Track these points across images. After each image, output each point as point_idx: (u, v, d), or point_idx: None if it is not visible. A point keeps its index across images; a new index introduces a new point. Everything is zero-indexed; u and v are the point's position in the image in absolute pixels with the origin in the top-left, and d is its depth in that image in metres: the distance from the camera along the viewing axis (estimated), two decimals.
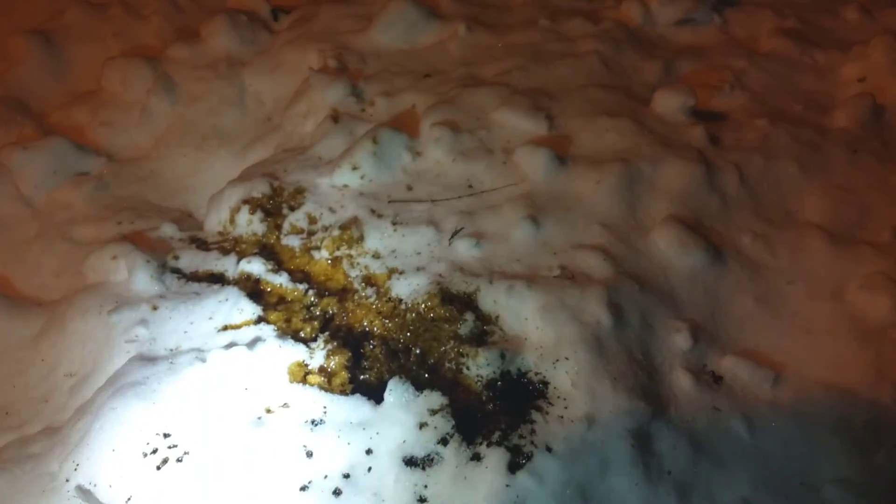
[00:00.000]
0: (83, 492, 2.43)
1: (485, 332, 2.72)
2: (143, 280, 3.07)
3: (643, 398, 2.56)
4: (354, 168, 3.33)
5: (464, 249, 2.99)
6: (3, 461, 2.62)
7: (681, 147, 3.34)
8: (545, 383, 2.56)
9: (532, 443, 2.41)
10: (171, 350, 2.85)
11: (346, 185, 3.33)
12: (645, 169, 3.20)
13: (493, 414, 2.51)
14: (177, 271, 3.21)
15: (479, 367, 2.59)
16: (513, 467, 2.35)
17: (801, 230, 3.24)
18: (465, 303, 2.81)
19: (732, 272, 3.06)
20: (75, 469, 2.47)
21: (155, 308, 2.98)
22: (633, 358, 2.67)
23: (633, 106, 3.60)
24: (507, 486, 2.31)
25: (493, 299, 2.78)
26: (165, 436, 2.47)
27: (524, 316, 2.70)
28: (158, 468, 2.38)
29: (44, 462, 2.58)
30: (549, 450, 2.39)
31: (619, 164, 3.18)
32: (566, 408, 2.49)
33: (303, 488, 2.36)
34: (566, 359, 2.58)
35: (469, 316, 2.74)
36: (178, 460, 2.40)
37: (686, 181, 3.20)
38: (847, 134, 3.64)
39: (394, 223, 3.13)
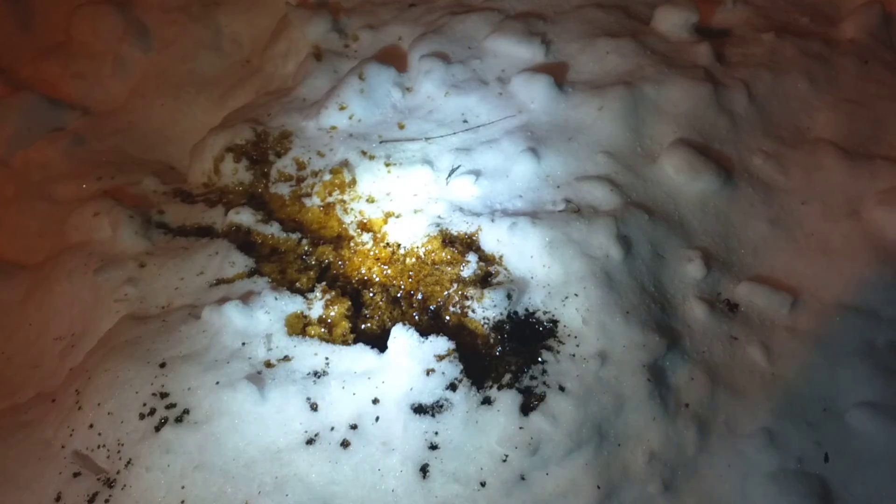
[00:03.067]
0: (80, 457, 2.35)
1: (489, 274, 2.59)
2: (127, 236, 2.93)
3: (657, 331, 2.46)
4: (341, 108, 3.16)
5: (462, 188, 2.83)
6: None
7: (686, 66, 3.16)
8: (554, 322, 2.45)
9: (544, 383, 2.31)
10: (163, 307, 2.73)
11: (333, 127, 3.16)
12: (649, 91, 3.03)
13: (502, 356, 2.41)
14: (162, 226, 3.07)
15: (485, 309, 2.47)
16: (525, 409, 2.26)
17: (813, 147, 3.10)
18: (467, 244, 2.68)
19: (744, 195, 2.93)
20: (71, 435, 2.38)
21: (142, 265, 2.85)
22: (645, 290, 2.55)
23: (634, 25, 3.40)
24: (520, 428, 2.22)
25: (495, 238, 2.64)
26: (163, 396, 2.37)
27: (529, 254, 2.57)
28: (157, 429, 2.29)
29: (38, 429, 2.49)
30: (562, 389, 2.30)
31: (622, 87, 3.00)
32: (578, 346, 2.39)
33: (309, 441, 2.27)
34: (575, 295, 2.46)
35: (471, 257, 2.61)
36: (178, 420, 2.30)
37: (693, 102, 3.03)
38: (856, 45, 3.47)
39: (387, 164, 2.97)
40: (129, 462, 2.24)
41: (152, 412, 2.32)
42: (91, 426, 2.35)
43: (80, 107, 3.81)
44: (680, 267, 2.68)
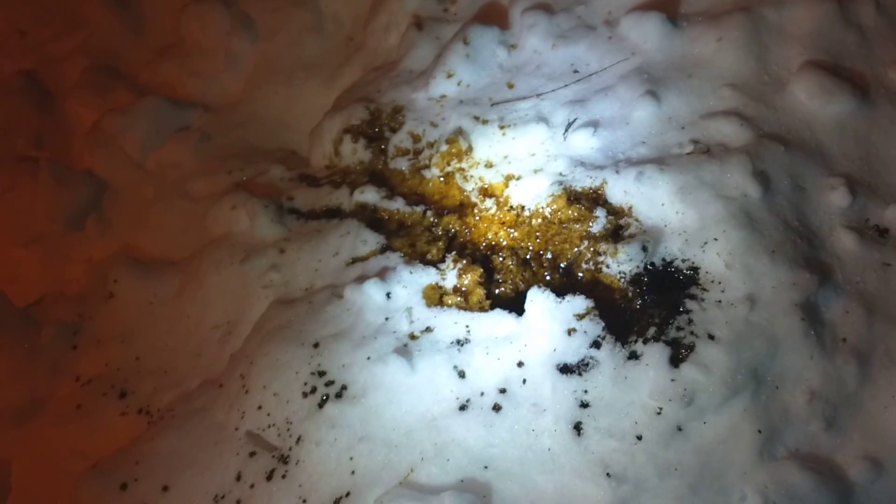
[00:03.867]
0: (253, 437, 2.52)
1: (620, 227, 2.56)
2: (265, 225, 3.09)
3: (806, 267, 2.36)
4: (449, 75, 3.16)
5: (581, 141, 2.79)
6: (171, 418, 2.76)
7: None
8: (695, 269, 2.40)
9: (692, 333, 2.28)
10: (307, 290, 2.87)
11: (443, 96, 3.17)
12: (770, 15, 2.84)
13: (643, 309, 2.39)
14: (294, 211, 3.20)
15: (620, 263, 2.45)
16: (675, 361, 2.24)
17: None
18: (593, 199, 2.65)
19: (883, 112, 2.74)
20: (242, 417, 2.56)
21: (282, 251, 2.99)
22: (789, 226, 2.45)
23: None
24: (672, 380, 2.21)
25: (622, 190, 2.60)
26: (320, 374, 2.50)
27: (660, 202, 2.52)
28: (320, 406, 2.43)
29: (210, 414, 2.69)
30: (711, 338, 2.26)
31: (740, 14, 2.84)
32: (723, 291, 2.33)
33: (462, 408, 2.35)
34: (715, 240, 2.40)
35: (599, 212, 2.58)
36: (338, 396, 2.43)
37: (818, 20, 2.83)
38: None
39: (501, 127, 2.97)
40: (299, 439, 2.39)
41: (313, 390, 2.46)
42: (260, 408, 2.51)
43: (201, 104, 3.98)
44: (823, 197, 2.55)
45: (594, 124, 2.81)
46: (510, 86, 3.12)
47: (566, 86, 2.98)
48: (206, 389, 2.84)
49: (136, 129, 3.84)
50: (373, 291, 2.62)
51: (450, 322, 2.55)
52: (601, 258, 2.51)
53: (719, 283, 2.34)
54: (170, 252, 3.48)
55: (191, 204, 3.50)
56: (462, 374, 2.41)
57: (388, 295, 2.63)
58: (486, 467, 2.24)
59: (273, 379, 2.52)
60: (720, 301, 2.31)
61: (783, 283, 2.31)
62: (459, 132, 3.01)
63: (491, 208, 2.84)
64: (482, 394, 2.36)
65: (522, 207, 2.78)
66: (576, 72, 3.02)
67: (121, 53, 4.44)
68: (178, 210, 3.55)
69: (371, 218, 3.01)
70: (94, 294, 3.42)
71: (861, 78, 2.80)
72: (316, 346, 2.56)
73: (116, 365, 3.16)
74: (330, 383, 2.45)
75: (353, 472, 2.29)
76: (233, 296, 2.99)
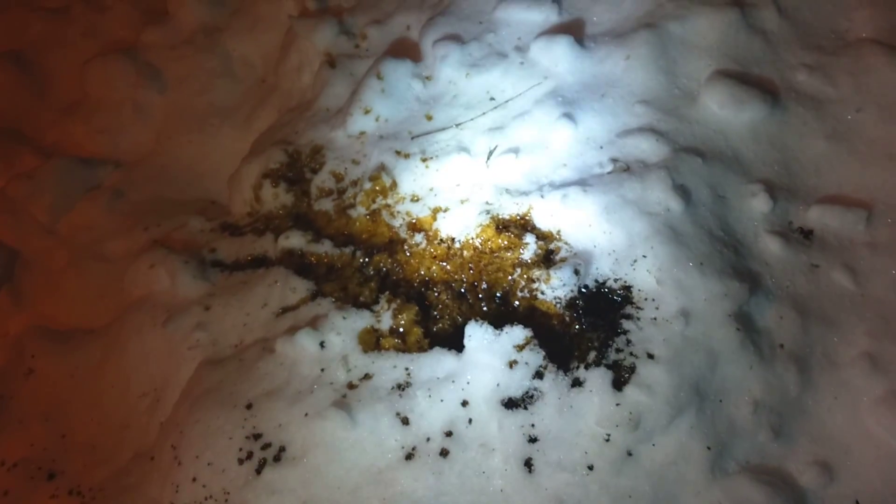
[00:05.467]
0: None
1: (550, 252, 2.53)
2: (187, 282, 2.95)
3: (735, 276, 2.37)
4: (366, 111, 3.10)
5: (504, 168, 2.76)
6: (104, 498, 2.60)
7: None
8: (628, 288, 2.38)
9: (631, 354, 2.25)
10: (236, 346, 2.74)
11: (362, 132, 3.11)
12: (674, 29, 2.88)
13: (581, 333, 2.36)
14: (218, 264, 3.07)
15: (554, 289, 2.42)
16: (618, 384, 2.21)
17: (857, 50, 2.93)
18: (522, 225, 2.62)
19: (795, 116, 2.80)
20: (176, 491, 2.42)
21: (207, 308, 2.86)
22: (714, 236, 2.46)
23: None
24: (616, 405, 2.17)
25: (549, 214, 2.58)
26: (256, 437, 2.38)
27: (587, 223, 2.50)
28: (258, 471, 2.31)
29: (143, 490, 2.54)
30: (650, 357, 2.24)
31: (645, 30, 2.87)
32: (657, 308, 2.32)
33: (408, 457, 2.26)
34: (644, 257, 2.39)
35: (529, 238, 2.55)
36: (276, 459, 2.31)
37: (722, 30, 2.88)
38: None
39: (423, 160, 2.91)
40: None
41: (250, 456, 2.34)
42: (194, 479, 2.37)
43: (112, 161, 3.83)
44: (745, 204, 2.58)
45: (515, 150, 2.79)
46: (429, 117, 3.08)
47: (484, 114, 2.96)
48: (137, 463, 2.68)
49: (44, 193, 3.68)
50: (305, 342, 2.52)
51: (388, 366, 2.46)
52: (535, 285, 2.48)
53: (653, 300, 2.33)
54: (89, 320, 3.30)
55: (107, 266, 3.34)
56: (406, 421, 2.32)
57: (321, 344, 2.53)
58: None
59: (206, 447, 2.38)
60: (655, 318, 2.29)
61: (715, 295, 2.31)
62: (382, 168, 2.95)
63: (421, 243, 2.78)
64: (428, 439, 2.28)
65: (452, 239, 2.73)
66: (492, 99, 3.00)
67: (24, 116, 4.27)
68: (95, 274, 3.38)
69: (299, 263, 2.91)
70: (12, 371, 3.23)
71: (770, 83, 2.85)
72: (249, 406, 2.44)
73: (42, 445, 2.97)
74: (267, 446, 2.34)
75: None
76: (158, 360, 2.84)
